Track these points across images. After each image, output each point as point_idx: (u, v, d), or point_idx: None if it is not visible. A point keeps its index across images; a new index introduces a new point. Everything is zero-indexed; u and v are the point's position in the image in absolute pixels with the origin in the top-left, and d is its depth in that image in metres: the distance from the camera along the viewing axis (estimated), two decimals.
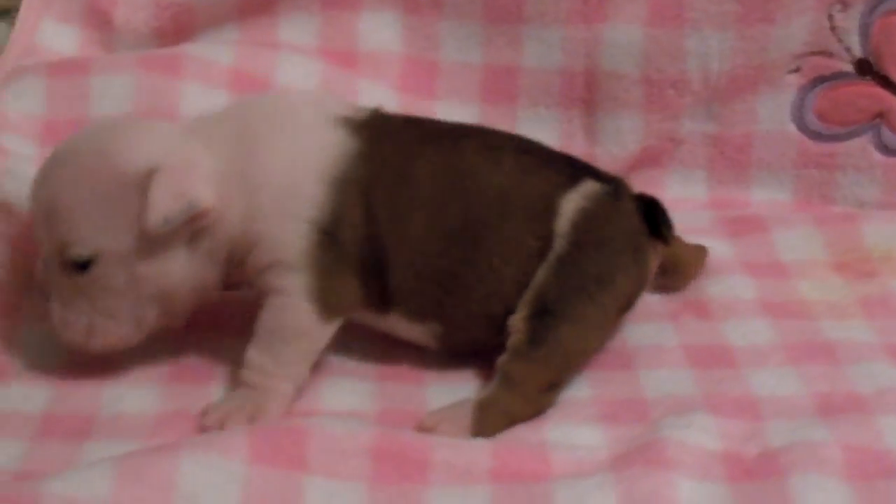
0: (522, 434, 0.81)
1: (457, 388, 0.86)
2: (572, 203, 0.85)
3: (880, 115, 1.10)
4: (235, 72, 1.05)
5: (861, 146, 1.11)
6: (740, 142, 1.12)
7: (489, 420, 0.81)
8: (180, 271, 0.81)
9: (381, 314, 0.85)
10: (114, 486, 0.69)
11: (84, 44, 1.08)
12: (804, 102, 1.11)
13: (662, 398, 0.85)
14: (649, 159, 1.12)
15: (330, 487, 0.72)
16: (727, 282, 1.00)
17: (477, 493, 0.74)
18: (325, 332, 0.83)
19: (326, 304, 0.82)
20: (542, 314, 0.83)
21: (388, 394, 0.86)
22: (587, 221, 0.84)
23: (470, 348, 0.87)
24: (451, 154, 0.85)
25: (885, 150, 1.11)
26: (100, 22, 1.08)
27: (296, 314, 0.82)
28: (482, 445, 0.78)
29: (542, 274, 0.84)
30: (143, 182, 0.78)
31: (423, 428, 0.80)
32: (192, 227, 0.80)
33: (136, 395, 0.84)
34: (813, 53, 1.10)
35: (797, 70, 1.10)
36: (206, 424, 0.80)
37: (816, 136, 1.11)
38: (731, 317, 0.95)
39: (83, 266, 0.80)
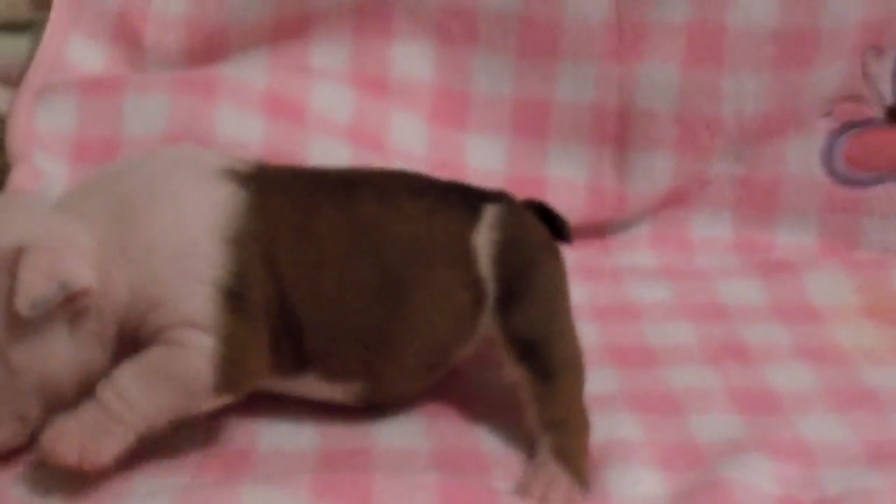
0: None
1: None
2: (484, 238, 0.82)
3: None
4: (270, 95, 1.03)
5: (887, 192, 1.11)
6: (768, 184, 1.11)
7: (574, 466, 0.79)
8: (62, 356, 0.74)
9: (293, 377, 0.80)
10: None
11: (112, 62, 1.05)
12: (834, 147, 1.11)
13: (715, 443, 0.84)
14: (677, 199, 1.12)
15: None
16: (762, 326, 1.00)
17: None
18: (212, 403, 0.76)
19: (228, 376, 0.75)
20: (529, 350, 0.81)
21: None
22: (505, 253, 0.82)
23: (395, 400, 0.84)
24: (349, 206, 0.80)
25: None
26: (129, 40, 1.05)
27: (191, 371, 0.74)
28: None
29: (491, 321, 0.82)
30: (13, 263, 0.72)
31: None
32: (71, 309, 0.73)
33: None
34: (845, 99, 1.10)
35: (829, 114, 1.10)
36: (41, 439, 0.73)
37: (844, 180, 1.12)
38: (770, 361, 0.95)
39: None
